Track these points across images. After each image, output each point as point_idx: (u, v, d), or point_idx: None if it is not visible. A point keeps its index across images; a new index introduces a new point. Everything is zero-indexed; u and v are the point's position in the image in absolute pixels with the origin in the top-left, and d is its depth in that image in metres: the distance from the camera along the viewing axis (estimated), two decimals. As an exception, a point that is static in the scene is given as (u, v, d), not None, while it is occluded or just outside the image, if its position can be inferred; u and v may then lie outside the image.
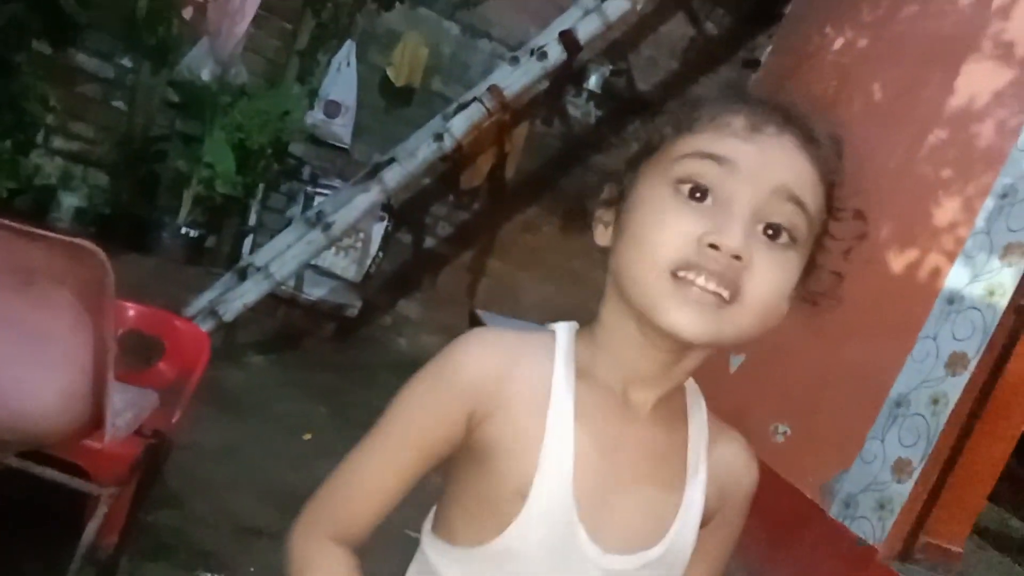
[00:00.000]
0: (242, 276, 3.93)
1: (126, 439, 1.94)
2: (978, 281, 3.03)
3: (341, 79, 4.63)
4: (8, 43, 3.64)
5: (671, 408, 0.85)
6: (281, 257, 3.91)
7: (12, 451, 1.82)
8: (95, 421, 1.79)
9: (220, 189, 4.07)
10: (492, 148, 4.92)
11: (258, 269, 3.89)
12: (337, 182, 4.63)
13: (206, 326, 3.57)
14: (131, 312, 2.38)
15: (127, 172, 4.33)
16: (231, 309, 3.75)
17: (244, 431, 3.30)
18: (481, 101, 4.06)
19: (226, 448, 3.07)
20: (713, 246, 0.71)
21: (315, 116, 4.57)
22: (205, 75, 4.15)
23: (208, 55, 4.20)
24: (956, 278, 3.12)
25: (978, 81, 3.42)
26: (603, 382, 0.81)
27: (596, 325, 0.83)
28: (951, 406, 2.95)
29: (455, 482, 0.84)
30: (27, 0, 3.63)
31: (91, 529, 1.89)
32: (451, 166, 4.84)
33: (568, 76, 4.99)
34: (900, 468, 3.02)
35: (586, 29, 4.15)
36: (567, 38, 4.10)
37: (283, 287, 4.24)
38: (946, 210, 3.28)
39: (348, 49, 4.63)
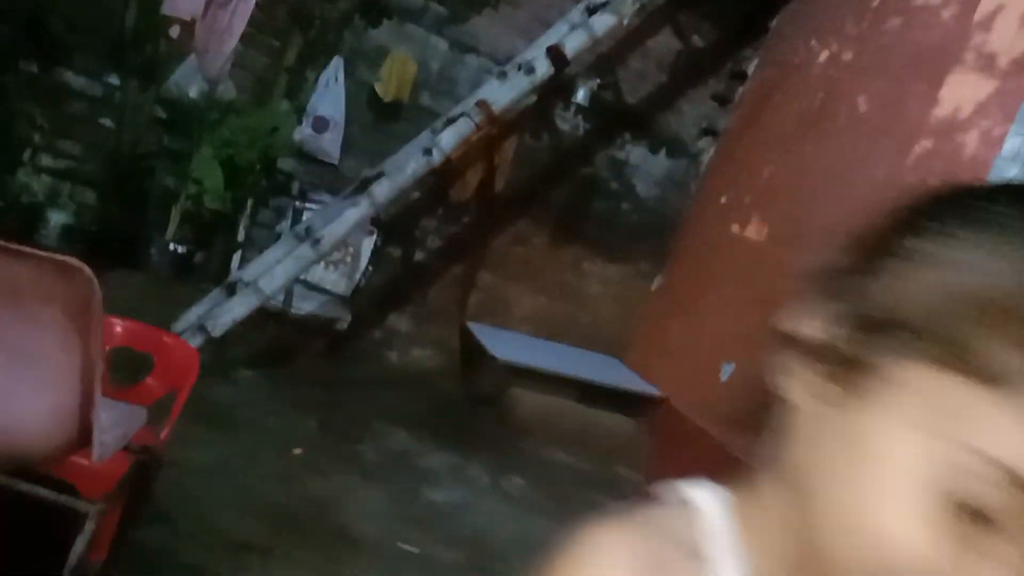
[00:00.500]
0: (231, 291, 3.92)
1: (115, 456, 1.93)
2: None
3: (329, 95, 4.64)
4: (-4, 63, 3.65)
5: None
6: (270, 272, 3.91)
7: (0, 469, 1.82)
8: (83, 438, 1.78)
9: (209, 205, 4.08)
10: (481, 162, 4.94)
11: (247, 284, 3.88)
12: (326, 197, 4.64)
13: (195, 342, 3.56)
14: (120, 328, 2.37)
15: (115, 189, 4.33)
16: (220, 324, 3.74)
17: (234, 447, 3.29)
18: (469, 115, 4.08)
19: (216, 464, 3.06)
20: None
21: (304, 132, 4.59)
22: (193, 92, 4.17)
23: (196, 72, 4.21)
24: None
25: (962, 92, 3.46)
26: None
27: (754, 500, 0.52)
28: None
29: None
30: (15, 21, 3.64)
31: (80, 545, 1.88)
32: (440, 180, 4.85)
33: (556, 90, 5.02)
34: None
35: (573, 43, 4.18)
36: (555, 52, 4.13)
37: (272, 302, 4.23)
38: (932, 220, 3.30)
39: (336, 65, 4.65)
